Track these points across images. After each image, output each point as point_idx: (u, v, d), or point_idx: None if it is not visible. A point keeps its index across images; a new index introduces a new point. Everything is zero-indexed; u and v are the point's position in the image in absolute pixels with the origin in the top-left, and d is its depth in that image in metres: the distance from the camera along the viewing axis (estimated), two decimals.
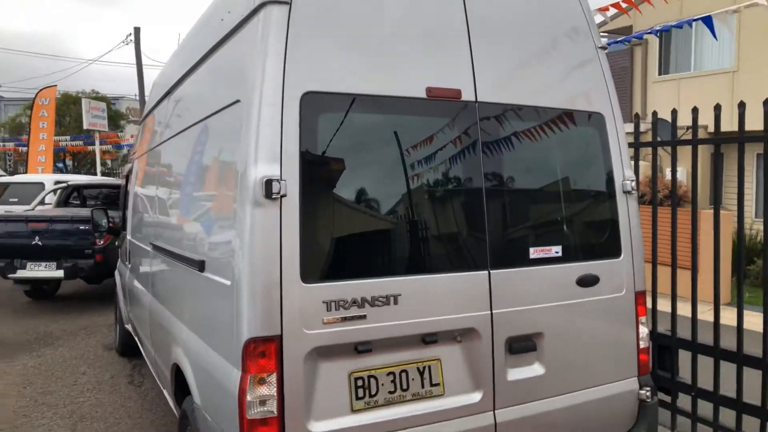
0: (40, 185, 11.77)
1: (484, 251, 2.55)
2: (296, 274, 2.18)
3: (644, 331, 2.98)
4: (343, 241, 2.34)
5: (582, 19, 2.90)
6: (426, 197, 2.51)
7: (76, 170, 27.93)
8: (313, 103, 2.25)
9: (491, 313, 2.54)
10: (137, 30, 24.66)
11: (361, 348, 2.29)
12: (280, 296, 2.16)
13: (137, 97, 34.65)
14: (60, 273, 8.11)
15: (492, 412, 2.54)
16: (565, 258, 2.75)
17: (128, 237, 5.29)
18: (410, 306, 2.37)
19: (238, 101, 2.36)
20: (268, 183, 2.13)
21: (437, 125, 2.51)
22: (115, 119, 29.97)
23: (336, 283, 2.26)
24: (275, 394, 2.16)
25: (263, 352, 2.15)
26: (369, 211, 2.39)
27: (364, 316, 2.29)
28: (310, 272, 2.21)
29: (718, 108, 3.60)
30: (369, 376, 2.33)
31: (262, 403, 2.16)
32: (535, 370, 2.67)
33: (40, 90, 17.73)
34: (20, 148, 25.04)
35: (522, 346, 2.62)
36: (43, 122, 17.02)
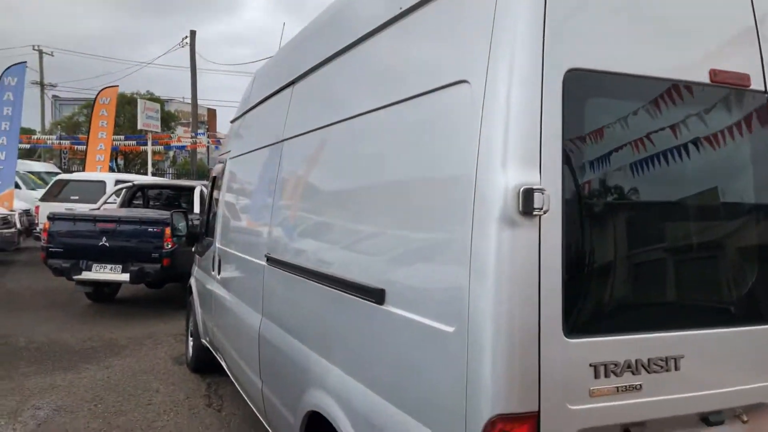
0: (102, 183, 11.53)
1: None
2: (558, 323, 1.53)
3: None
4: (616, 277, 1.68)
5: None
6: (711, 220, 1.83)
7: (126, 170, 28.13)
8: (579, 85, 1.61)
9: None
10: (193, 33, 24.79)
11: (634, 431, 1.63)
12: (538, 356, 1.51)
13: (184, 100, 34.93)
14: (125, 277, 7.70)
15: None
16: None
17: (217, 245, 4.74)
18: (693, 372, 1.70)
19: (462, 81, 1.74)
20: (528, 194, 1.49)
21: (719, 119, 1.84)
22: (167, 120, 30.20)
23: (606, 339, 1.60)
24: None
25: None
26: (649, 236, 1.73)
27: (640, 386, 1.62)
28: (575, 322, 1.56)
29: None
30: None
31: None
32: None
33: (102, 89, 17.69)
34: (75, 146, 25.28)
35: None
36: (103, 121, 16.92)
